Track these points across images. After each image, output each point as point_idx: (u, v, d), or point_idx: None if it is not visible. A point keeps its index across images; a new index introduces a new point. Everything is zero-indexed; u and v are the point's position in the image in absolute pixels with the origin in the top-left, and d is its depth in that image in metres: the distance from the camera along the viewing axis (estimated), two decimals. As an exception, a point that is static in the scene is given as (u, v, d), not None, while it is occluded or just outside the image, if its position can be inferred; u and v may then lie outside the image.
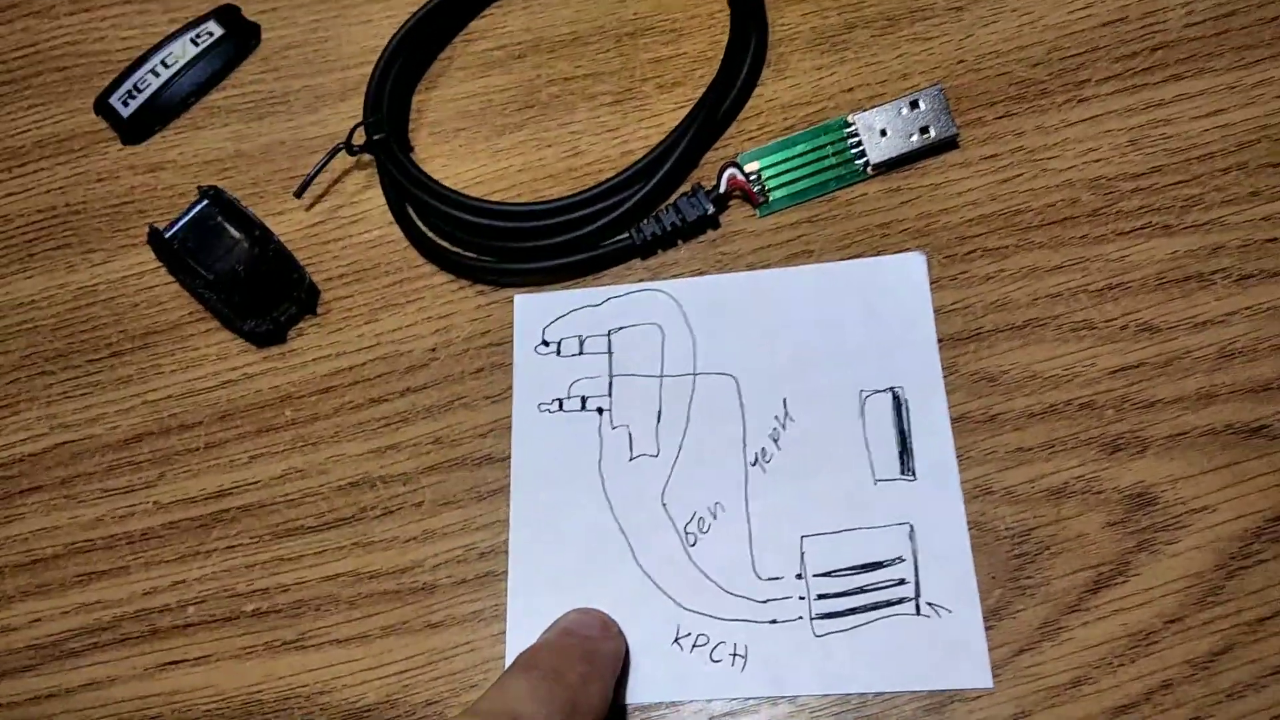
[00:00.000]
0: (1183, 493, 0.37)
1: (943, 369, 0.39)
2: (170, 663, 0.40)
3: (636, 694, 0.37)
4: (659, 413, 0.41)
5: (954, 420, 0.39)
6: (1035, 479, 0.38)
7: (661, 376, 0.41)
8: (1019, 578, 0.36)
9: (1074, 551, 0.37)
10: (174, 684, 0.40)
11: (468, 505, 0.41)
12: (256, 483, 0.42)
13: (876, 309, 0.41)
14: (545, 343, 0.43)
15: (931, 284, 0.41)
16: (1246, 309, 0.39)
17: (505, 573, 0.39)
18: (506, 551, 0.40)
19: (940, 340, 0.40)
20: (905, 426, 0.39)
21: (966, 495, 0.38)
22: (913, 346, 0.40)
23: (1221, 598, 0.36)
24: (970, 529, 0.37)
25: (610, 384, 0.42)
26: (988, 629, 0.36)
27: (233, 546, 0.41)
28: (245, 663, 0.40)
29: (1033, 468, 0.38)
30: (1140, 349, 0.39)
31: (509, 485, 0.40)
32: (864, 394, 0.40)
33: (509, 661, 0.38)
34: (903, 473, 0.38)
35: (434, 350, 0.43)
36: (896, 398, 0.39)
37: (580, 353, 0.42)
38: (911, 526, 0.38)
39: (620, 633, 0.37)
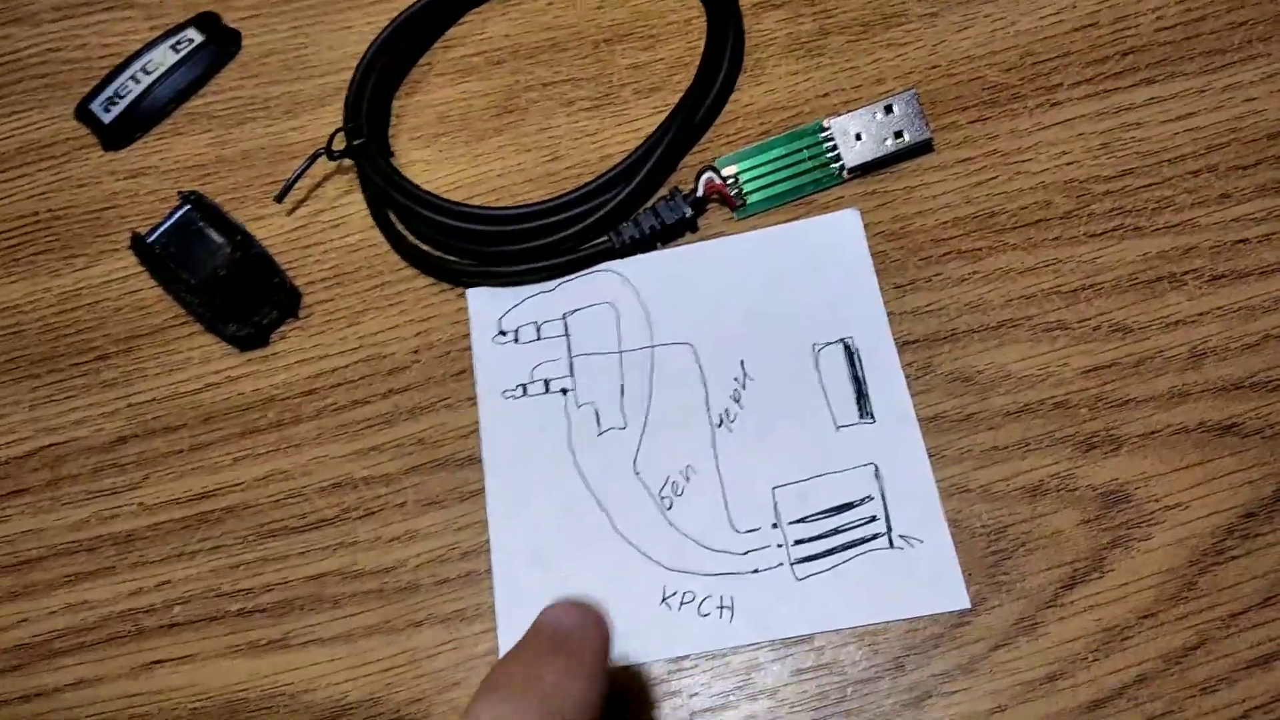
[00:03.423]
0: (1155, 490, 0.38)
1: (893, 331, 0.41)
2: (155, 662, 0.40)
3: (631, 656, 0.38)
4: (621, 387, 0.42)
5: (929, 420, 0.39)
6: (1010, 477, 0.38)
7: (620, 352, 0.42)
8: (995, 574, 0.37)
9: (1049, 548, 0.37)
10: (160, 683, 0.40)
11: (450, 505, 0.41)
12: (240, 484, 0.42)
13: (820, 266, 0.42)
14: (503, 332, 0.43)
15: (906, 285, 0.41)
16: (1217, 309, 0.40)
17: (487, 572, 0.40)
18: (489, 550, 0.40)
19: (915, 341, 0.41)
20: (859, 373, 0.41)
21: (943, 492, 0.38)
22: (857, 298, 0.42)
23: (1194, 593, 0.36)
24: (949, 526, 0.38)
25: (571, 365, 0.43)
26: (965, 624, 0.37)
27: (217, 547, 0.41)
28: (230, 661, 0.40)
29: (1008, 466, 0.38)
30: (1113, 349, 0.39)
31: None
32: (817, 347, 0.41)
33: (502, 647, 0.38)
34: (861, 417, 0.40)
35: (416, 352, 0.43)
36: (848, 347, 0.41)
37: (538, 338, 0.43)
38: (876, 466, 0.39)
39: (599, 616, 0.33)
